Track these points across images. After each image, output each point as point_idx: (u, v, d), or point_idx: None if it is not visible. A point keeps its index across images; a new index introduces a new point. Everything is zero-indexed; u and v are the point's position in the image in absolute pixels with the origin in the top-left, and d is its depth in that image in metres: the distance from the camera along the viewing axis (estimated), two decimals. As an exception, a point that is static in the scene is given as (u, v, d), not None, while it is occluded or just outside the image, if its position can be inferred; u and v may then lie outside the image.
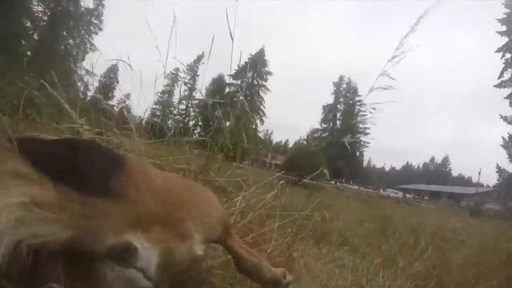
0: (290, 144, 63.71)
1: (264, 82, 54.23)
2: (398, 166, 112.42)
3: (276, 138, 71.50)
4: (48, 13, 29.65)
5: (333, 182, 36.66)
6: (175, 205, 0.94)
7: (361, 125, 54.05)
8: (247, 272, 1.19)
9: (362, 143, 56.09)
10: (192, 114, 52.02)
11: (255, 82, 53.39)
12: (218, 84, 52.37)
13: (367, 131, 55.03)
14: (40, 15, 29.17)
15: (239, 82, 51.70)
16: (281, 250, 1.90)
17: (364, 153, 58.68)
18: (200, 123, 50.61)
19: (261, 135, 55.35)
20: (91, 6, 34.37)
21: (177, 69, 47.19)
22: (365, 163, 67.77)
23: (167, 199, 0.92)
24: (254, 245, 1.74)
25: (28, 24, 26.49)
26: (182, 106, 50.28)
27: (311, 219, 2.22)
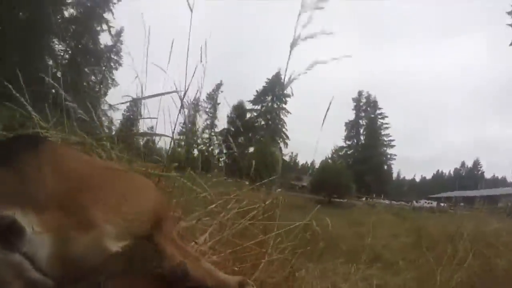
0: (317, 165, 63.63)
1: (284, 105, 53.91)
2: (428, 176, 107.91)
3: (302, 160, 68.35)
4: (69, 51, 30.72)
5: (363, 198, 36.31)
6: (82, 189, 0.81)
7: (385, 138, 53.80)
8: (171, 275, 0.93)
9: (389, 156, 55.03)
10: (215, 142, 51.96)
11: (275, 105, 53.39)
12: (238, 111, 52.62)
13: (392, 143, 54.42)
14: (62, 53, 30.23)
15: (259, 107, 52.85)
16: (279, 266, 1.67)
17: (392, 165, 57.27)
18: (224, 151, 50.38)
19: (286, 158, 53.40)
20: (110, 43, 35.62)
21: (197, 99, 49.48)
22: (394, 175, 65.93)
23: (74, 182, 0.81)
24: (243, 262, 1.52)
25: (51, 62, 27.10)
26: (206, 135, 50.83)
27: (310, 230, 1.99)
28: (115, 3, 34.72)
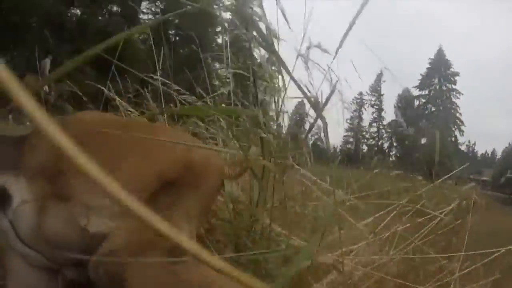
0: (498, 154, 51.15)
1: (453, 86, 47.97)
2: None
3: (481, 149, 57.41)
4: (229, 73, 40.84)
5: None
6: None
7: None
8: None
9: None
10: (385, 135, 49.69)
11: (444, 87, 48.07)
12: (405, 99, 48.87)
13: None
14: (225, 74, 39.90)
15: (426, 92, 48.81)
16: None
17: None
18: (394, 143, 48.71)
19: (463, 147, 47.79)
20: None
21: (360, 93, 47.46)
22: None
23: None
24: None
25: (217, 82, 37.03)
26: (373, 129, 49.10)
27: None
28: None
